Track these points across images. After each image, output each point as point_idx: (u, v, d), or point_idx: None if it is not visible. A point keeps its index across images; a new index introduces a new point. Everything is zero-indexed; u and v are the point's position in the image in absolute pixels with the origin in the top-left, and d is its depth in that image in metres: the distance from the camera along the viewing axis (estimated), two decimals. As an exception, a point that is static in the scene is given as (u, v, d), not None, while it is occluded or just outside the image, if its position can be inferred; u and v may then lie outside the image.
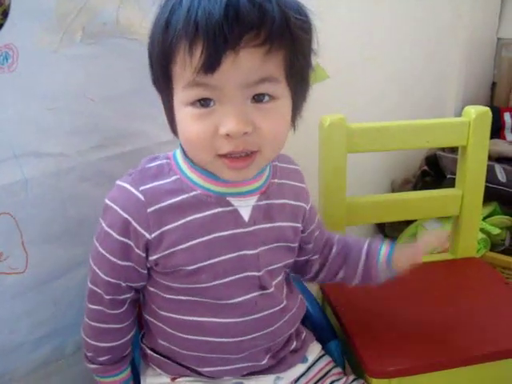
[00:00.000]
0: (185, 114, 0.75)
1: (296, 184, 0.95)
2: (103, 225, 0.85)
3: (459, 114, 2.10)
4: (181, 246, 0.82)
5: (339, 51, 1.49)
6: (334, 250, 1.01)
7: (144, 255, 0.84)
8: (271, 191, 0.89)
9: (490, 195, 1.38)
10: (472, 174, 1.26)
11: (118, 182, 0.85)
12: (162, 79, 0.78)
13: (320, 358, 1.00)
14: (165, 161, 0.86)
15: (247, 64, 0.70)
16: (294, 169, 0.96)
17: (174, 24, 0.71)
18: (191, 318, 0.87)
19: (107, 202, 0.85)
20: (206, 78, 0.70)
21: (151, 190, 0.82)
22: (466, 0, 2.04)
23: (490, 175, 1.30)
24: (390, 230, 1.89)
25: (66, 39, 1.00)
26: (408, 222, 1.81)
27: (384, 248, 0.99)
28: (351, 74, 1.62)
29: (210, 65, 0.69)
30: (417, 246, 0.96)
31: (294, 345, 0.96)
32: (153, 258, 0.83)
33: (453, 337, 1.02)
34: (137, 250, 0.83)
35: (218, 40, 0.67)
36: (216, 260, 0.84)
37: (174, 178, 0.84)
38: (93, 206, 1.11)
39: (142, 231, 0.81)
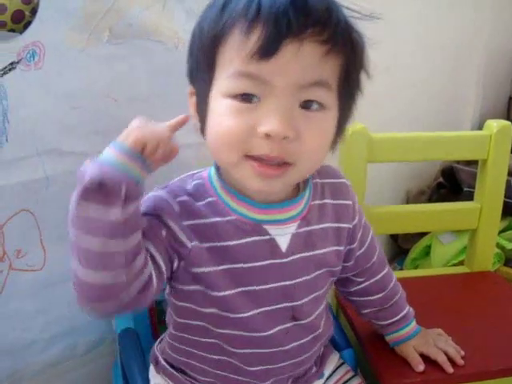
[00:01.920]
0: (222, 106, 0.68)
1: (339, 202, 0.85)
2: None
3: (476, 128, 2.12)
4: (210, 269, 0.75)
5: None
6: (379, 295, 0.97)
7: (171, 246, 0.74)
8: (312, 216, 0.81)
9: (506, 210, 1.37)
10: (491, 188, 1.26)
11: (151, 193, 0.77)
12: (205, 65, 0.70)
13: (337, 368, 0.97)
14: (200, 181, 0.78)
15: (306, 58, 0.64)
16: (339, 183, 0.87)
17: (234, 4, 0.66)
18: (219, 343, 0.81)
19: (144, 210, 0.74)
20: (259, 67, 0.64)
21: (188, 204, 0.75)
22: (485, 13, 2.03)
23: (507, 190, 1.29)
24: (404, 241, 1.87)
25: (93, 39, 1.01)
26: (421, 234, 1.80)
27: (401, 332, 0.99)
28: (369, 85, 1.61)
29: (268, 49, 0.63)
30: (421, 365, 0.96)
31: (314, 369, 0.93)
32: (180, 264, 0.75)
33: (468, 350, 1.01)
34: (164, 234, 0.73)
35: (281, 23, 0.62)
36: (247, 289, 0.77)
37: (209, 199, 0.76)
38: (111, 207, 1.11)
39: (183, 239, 0.74)
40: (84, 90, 1.02)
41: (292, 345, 0.83)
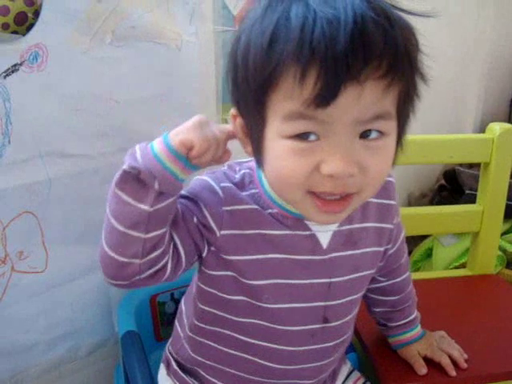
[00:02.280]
0: (281, 148, 0.63)
1: (383, 202, 0.83)
2: None
3: (478, 131, 2.12)
4: (245, 257, 0.74)
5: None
6: (395, 297, 0.96)
7: (202, 236, 0.73)
8: (355, 214, 0.78)
9: (508, 212, 1.37)
10: (494, 190, 1.25)
11: (197, 177, 0.76)
12: (254, 105, 0.65)
13: (348, 375, 0.97)
14: (248, 171, 0.77)
15: (368, 98, 0.59)
16: (387, 182, 0.83)
17: (282, 43, 0.58)
18: (240, 337, 0.80)
19: (184, 193, 0.74)
20: (316, 112, 0.59)
21: (231, 191, 0.74)
22: (487, 17, 2.03)
23: (510, 192, 1.29)
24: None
25: (96, 41, 1.01)
26: (423, 236, 1.80)
27: (406, 335, 0.98)
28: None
29: (325, 97, 0.58)
30: (423, 368, 0.95)
31: (328, 381, 0.92)
32: (210, 249, 0.75)
33: (471, 353, 1.01)
34: (196, 221, 0.72)
35: (339, 67, 0.56)
36: (282, 281, 0.76)
37: (252, 191, 0.75)
38: (114, 209, 1.11)
39: (213, 226, 0.73)
40: (86, 91, 1.02)
41: (315, 347, 0.82)
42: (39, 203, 1.02)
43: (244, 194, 0.74)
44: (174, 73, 1.08)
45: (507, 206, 1.31)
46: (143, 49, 1.07)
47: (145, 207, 0.65)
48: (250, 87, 0.63)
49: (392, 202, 0.84)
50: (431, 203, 1.89)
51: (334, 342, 0.84)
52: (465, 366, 0.97)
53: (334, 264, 0.78)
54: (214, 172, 0.76)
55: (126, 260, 0.67)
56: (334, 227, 0.77)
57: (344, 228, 0.78)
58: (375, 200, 0.81)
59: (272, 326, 0.78)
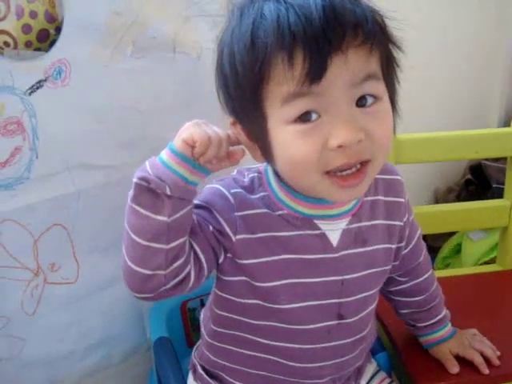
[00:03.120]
0: (287, 134, 0.66)
1: (391, 199, 0.84)
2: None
3: (502, 124, 2.09)
4: (257, 259, 0.76)
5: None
6: (419, 297, 0.96)
7: (218, 241, 0.75)
8: (363, 212, 0.80)
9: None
10: (521, 184, 1.24)
11: (208, 185, 0.78)
12: (251, 106, 0.68)
13: (374, 376, 0.96)
14: (256, 174, 0.79)
15: (353, 63, 0.64)
16: (394, 180, 0.86)
17: (263, 39, 0.64)
18: (258, 339, 0.81)
19: (197, 202, 0.76)
20: (311, 88, 0.63)
21: (241, 196, 0.76)
22: (509, 8, 2.00)
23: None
24: (433, 240, 1.85)
25: (117, 53, 1.02)
26: (451, 232, 1.78)
27: (436, 335, 0.97)
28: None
29: (315, 73, 0.62)
30: (455, 367, 0.95)
31: (353, 382, 0.92)
32: (227, 255, 0.77)
33: (504, 351, 1.00)
34: (211, 229, 0.74)
35: (322, 44, 0.61)
36: (295, 281, 0.77)
37: (262, 194, 0.77)
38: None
39: (229, 232, 0.74)
40: (110, 103, 1.04)
41: (332, 343, 0.83)
42: (68, 215, 1.04)
43: (254, 197, 0.76)
44: (195, 81, 1.09)
45: (535, 200, 1.29)
46: (164, 59, 1.08)
47: (163, 218, 0.66)
48: (243, 90, 0.68)
49: (401, 200, 0.86)
50: (458, 198, 1.86)
51: (352, 339, 0.85)
52: (498, 363, 0.96)
53: (345, 262, 0.79)
54: (224, 179, 0.78)
55: (150, 272, 0.68)
56: (343, 225, 0.78)
57: (353, 226, 0.79)
58: (383, 198, 0.83)
59: (288, 326, 0.80)
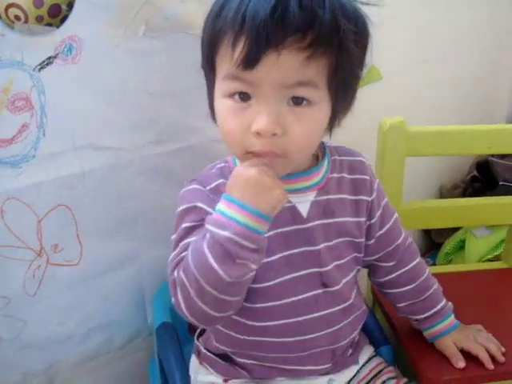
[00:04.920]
0: (223, 106, 0.75)
1: (356, 177, 0.91)
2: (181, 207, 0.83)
3: (510, 120, 2.08)
4: None
5: (396, 52, 1.46)
6: (410, 286, 0.98)
7: None
8: (330, 186, 0.87)
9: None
10: (530, 181, 1.23)
11: (184, 189, 0.85)
12: (207, 67, 0.79)
13: (371, 358, 0.98)
14: (224, 164, 0.87)
15: (287, 65, 0.69)
16: (357, 160, 0.93)
17: (225, 15, 0.71)
18: (253, 323, 0.85)
19: (181, 208, 0.83)
20: (245, 74, 0.70)
21: (217, 188, 0.83)
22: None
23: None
24: (437, 235, 1.85)
25: (129, 33, 1.00)
26: (455, 228, 1.77)
27: (438, 326, 0.99)
28: (406, 76, 1.59)
29: (249, 61, 0.69)
30: (461, 361, 0.96)
31: (350, 351, 0.95)
32: None
33: (509, 347, 0.99)
34: None
35: (260, 38, 0.67)
36: (276, 257, 0.83)
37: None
38: (148, 202, 1.12)
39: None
40: (121, 84, 1.02)
41: (322, 312, 0.86)
42: (74, 196, 1.02)
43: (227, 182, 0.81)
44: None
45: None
46: (176, 40, 1.06)
47: (255, 267, 0.73)
48: (204, 49, 0.78)
49: (365, 177, 0.92)
50: (463, 195, 1.85)
51: (340, 307, 0.89)
52: (503, 359, 0.97)
53: (317, 232, 0.85)
54: (195, 179, 0.86)
55: (224, 315, 0.76)
56: (311, 198, 0.85)
57: (321, 198, 0.86)
58: (348, 176, 0.90)
59: (279, 302, 0.84)
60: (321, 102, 0.74)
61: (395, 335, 1.07)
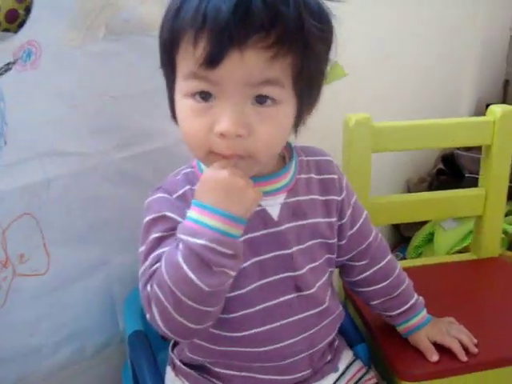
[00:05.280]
0: (184, 106, 0.73)
1: (323, 177, 0.89)
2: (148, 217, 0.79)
3: (473, 112, 2.11)
4: None
5: (359, 48, 1.47)
6: (383, 284, 0.97)
7: None
8: (299, 187, 0.85)
9: (510, 194, 1.36)
10: (496, 173, 1.24)
11: (150, 198, 0.81)
12: (167, 66, 0.76)
13: (351, 364, 0.96)
14: (189, 169, 0.84)
15: (251, 64, 0.67)
16: (324, 160, 0.91)
17: (184, 12, 0.68)
18: (225, 334, 0.83)
19: (148, 218, 0.79)
20: (207, 73, 0.68)
21: (184, 195, 0.80)
22: (483, 2, 2.03)
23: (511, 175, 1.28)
24: (405, 229, 1.87)
25: (89, 36, 0.98)
26: (423, 221, 1.79)
27: (412, 321, 0.99)
28: (369, 72, 1.60)
29: (212, 60, 0.66)
30: (435, 355, 0.96)
31: (328, 356, 0.93)
32: None
33: (481, 338, 1.00)
34: None
35: (223, 36, 0.65)
36: (247, 263, 0.80)
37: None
38: (114, 207, 1.10)
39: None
40: (82, 88, 1.00)
41: (297, 317, 0.84)
42: (38, 204, 1.00)
43: (194, 188, 0.78)
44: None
45: (509, 188, 1.30)
46: (137, 42, 1.04)
47: (233, 274, 0.71)
48: (164, 49, 0.75)
49: (333, 176, 0.90)
50: (430, 188, 1.88)
51: (315, 311, 0.87)
52: (475, 350, 0.98)
53: (289, 234, 0.83)
54: (161, 186, 0.83)
55: (203, 326, 0.73)
56: (281, 200, 0.83)
57: (291, 200, 0.84)
58: (316, 176, 0.88)
59: (252, 309, 0.82)
60: (286, 101, 0.72)
61: (369, 332, 1.07)
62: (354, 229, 0.94)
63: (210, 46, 0.66)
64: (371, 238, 0.96)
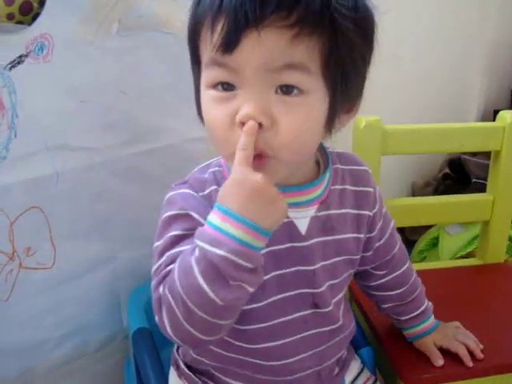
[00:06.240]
0: (206, 97, 0.68)
1: (359, 189, 0.83)
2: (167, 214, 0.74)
3: (480, 117, 2.11)
4: None
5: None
6: (399, 290, 0.96)
7: None
8: (332, 200, 0.79)
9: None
10: (505, 179, 1.24)
11: (173, 192, 0.76)
12: (192, 57, 0.72)
13: (358, 375, 0.95)
14: (217, 168, 0.77)
15: (270, 45, 0.61)
16: (360, 170, 0.85)
17: (204, 0, 0.65)
18: (238, 343, 0.79)
19: (169, 213, 0.74)
20: (225, 58, 0.63)
21: (210, 195, 0.74)
22: (490, 4, 2.02)
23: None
24: (410, 233, 1.86)
25: (102, 31, 0.98)
26: (428, 226, 1.79)
27: (420, 327, 0.98)
28: (378, 75, 1.59)
29: (228, 43, 0.62)
30: (440, 360, 0.95)
31: (336, 369, 0.90)
32: None
33: (487, 344, 1.00)
34: None
35: (239, 17, 0.60)
36: (267, 277, 0.75)
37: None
38: (122, 202, 1.10)
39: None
40: (93, 83, 1.00)
41: (310, 333, 0.81)
42: (46, 198, 1.00)
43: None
44: (181, 63, 1.04)
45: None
46: (150, 38, 1.04)
47: (251, 290, 0.64)
48: (189, 41, 0.71)
49: (369, 189, 0.85)
50: (435, 192, 1.87)
51: (328, 328, 0.83)
52: (481, 356, 0.97)
53: (315, 250, 0.78)
54: (187, 181, 0.77)
55: (214, 338, 0.67)
56: (311, 213, 0.77)
57: (321, 214, 0.78)
58: (351, 187, 0.82)
59: (267, 324, 0.78)
60: (314, 92, 0.65)
61: (375, 337, 1.07)
62: (382, 241, 0.90)
63: (226, 27, 0.62)
64: (396, 250, 0.94)
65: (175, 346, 0.93)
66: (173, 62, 1.07)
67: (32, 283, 1.03)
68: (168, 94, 1.08)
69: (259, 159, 0.65)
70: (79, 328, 1.13)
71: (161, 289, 0.67)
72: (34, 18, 0.91)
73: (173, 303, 0.64)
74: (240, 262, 0.60)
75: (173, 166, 1.10)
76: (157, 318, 0.68)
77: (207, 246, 0.61)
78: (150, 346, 0.98)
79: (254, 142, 0.63)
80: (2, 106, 0.91)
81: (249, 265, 0.61)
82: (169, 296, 0.65)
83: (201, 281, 0.61)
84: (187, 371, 0.88)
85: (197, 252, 0.62)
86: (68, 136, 1.00)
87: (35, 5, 0.90)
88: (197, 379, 0.86)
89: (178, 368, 0.90)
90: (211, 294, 0.61)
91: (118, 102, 1.04)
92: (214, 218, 0.62)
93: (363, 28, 0.67)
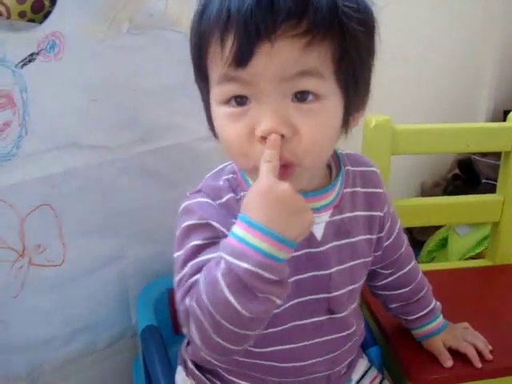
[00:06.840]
0: (220, 114, 0.67)
1: (369, 190, 0.83)
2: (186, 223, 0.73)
3: (490, 118, 2.10)
4: None
5: (377, 50, 1.46)
6: (405, 289, 0.96)
7: None
8: (344, 203, 0.79)
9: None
10: (515, 179, 1.24)
11: (189, 202, 0.75)
12: (198, 74, 0.71)
13: (365, 373, 0.95)
14: (231, 176, 0.77)
15: (284, 55, 0.61)
16: (370, 171, 0.85)
17: (209, 13, 0.64)
18: (249, 348, 0.75)
19: (188, 222, 0.73)
20: (239, 72, 0.63)
21: (227, 203, 0.74)
22: (499, 2, 2.01)
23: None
24: (419, 233, 1.85)
25: (113, 29, 0.98)
26: (437, 226, 1.78)
27: (428, 327, 0.97)
28: (387, 75, 1.59)
29: (242, 57, 0.61)
30: (449, 360, 0.95)
31: (344, 370, 0.90)
32: None
33: (495, 345, 0.99)
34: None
35: (250, 29, 0.60)
36: None
37: (241, 194, 0.74)
38: (132, 200, 1.10)
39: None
40: (104, 81, 1.00)
41: (324, 338, 0.81)
42: (57, 195, 1.00)
43: (237, 197, 0.74)
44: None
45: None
46: (161, 37, 1.05)
47: (279, 302, 0.64)
48: (193, 56, 0.70)
49: (379, 190, 0.85)
50: (444, 192, 1.87)
51: (343, 334, 0.84)
52: (490, 357, 0.97)
53: (331, 255, 0.78)
54: (201, 190, 0.76)
55: (241, 348, 0.67)
56: (326, 218, 0.77)
57: (335, 218, 0.78)
58: (362, 189, 0.82)
59: (281, 327, 0.78)
60: (329, 96, 0.66)
61: (383, 336, 1.07)
62: (390, 240, 0.91)
63: (238, 42, 0.61)
64: (403, 249, 0.94)
65: (183, 345, 0.94)
66: (182, 61, 1.06)
67: (41, 280, 1.03)
68: (178, 93, 1.08)
69: (285, 169, 0.65)
70: (88, 325, 1.13)
71: (187, 301, 0.67)
72: (46, 16, 0.91)
73: (200, 316, 0.64)
74: (265, 274, 0.60)
75: (182, 165, 1.11)
76: (185, 330, 0.69)
77: (232, 259, 0.60)
78: (158, 343, 0.98)
79: (279, 153, 0.63)
80: (14, 104, 0.91)
81: (274, 277, 0.60)
82: (196, 308, 0.64)
83: (227, 294, 0.60)
84: (195, 370, 0.88)
85: (222, 264, 0.61)
86: (78, 134, 1.00)
87: (47, 3, 0.91)
88: (204, 378, 0.86)
89: (185, 367, 0.90)
90: (238, 307, 0.61)
91: (129, 101, 1.04)
92: (237, 229, 0.62)
93: (367, 25, 0.68)
